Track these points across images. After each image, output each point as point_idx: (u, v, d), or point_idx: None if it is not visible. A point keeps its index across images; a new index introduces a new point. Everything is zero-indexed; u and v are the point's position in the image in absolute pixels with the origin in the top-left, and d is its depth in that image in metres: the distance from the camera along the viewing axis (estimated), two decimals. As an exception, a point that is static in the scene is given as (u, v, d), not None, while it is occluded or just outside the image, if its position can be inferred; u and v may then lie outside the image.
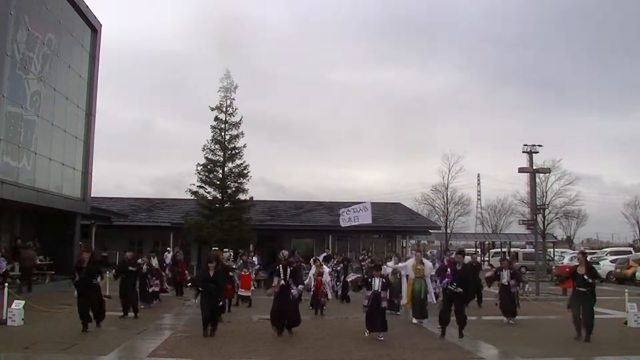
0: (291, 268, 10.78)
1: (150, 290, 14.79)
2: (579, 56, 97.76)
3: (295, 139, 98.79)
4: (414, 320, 12.55)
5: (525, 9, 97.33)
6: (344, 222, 21.32)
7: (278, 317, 10.48)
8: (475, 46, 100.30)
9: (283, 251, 11.89)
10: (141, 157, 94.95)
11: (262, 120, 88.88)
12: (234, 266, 15.50)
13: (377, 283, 10.41)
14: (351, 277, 16.27)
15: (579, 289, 10.31)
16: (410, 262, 13.12)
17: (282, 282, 10.43)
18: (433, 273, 12.87)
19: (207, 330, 10.25)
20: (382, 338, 10.13)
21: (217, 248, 17.83)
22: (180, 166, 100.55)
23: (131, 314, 12.62)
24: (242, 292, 15.14)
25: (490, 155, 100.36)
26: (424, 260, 13.01)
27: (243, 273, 15.38)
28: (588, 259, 11.52)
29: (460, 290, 10.26)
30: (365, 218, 20.19)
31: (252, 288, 15.97)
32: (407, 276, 13.14)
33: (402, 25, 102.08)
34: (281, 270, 10.58)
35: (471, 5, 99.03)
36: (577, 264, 10.93)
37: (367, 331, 10.43)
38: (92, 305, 10.69)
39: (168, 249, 24.02)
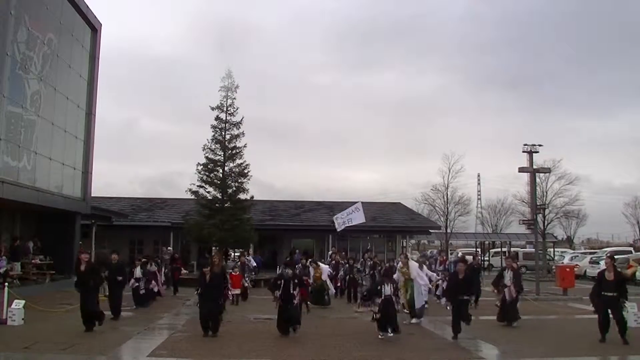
0: (297, 280, 10.97)
1: (142, 292, 14.80)
2: (568, 58, 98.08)
3: (286, 139, 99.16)
4: (413, 320, 12.53)
5: (518, 11, 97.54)
6: (339, 227, 21.57)
7: (284, 324, 10.59)
8: (464, 48, 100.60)
9: (288, 271, 11.25)
10: (131, 157, 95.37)
11: (252, 121, 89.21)
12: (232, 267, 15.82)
13: (387, 289, 10.47)
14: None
15: (607, 293, 10.14)
16: (399, 265, 13.05)
17: (281, 298, 10.57)
18: (420, 273, 12.77)
19: (208, 331, 10.29)
20: (392, 334, 10.21)
21: (216, 247, 17.92)
22: (171, 166, 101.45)
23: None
24: (233, 291, 15.21)
25: (481, 155, 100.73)
26: (410, 263, 12.95)
27: (233, 273, 15.78)
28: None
29: (467, 297, 10.74)
30: (359, 218, 20.35)
31: (246, 284, 16.61)
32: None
33: (393, 28, 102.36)
34: (290, 286, 10.64)
35: (462, 8, 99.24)
36: (604, 268, 10.85)
37: (381, 333, 10.32)
38: (90, 307, 10.64)
39: (169, 248, 24.11)
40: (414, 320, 12.54)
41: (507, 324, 12.25)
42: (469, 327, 10.58)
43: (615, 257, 12.93)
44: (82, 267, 10.86)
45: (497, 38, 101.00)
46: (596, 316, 10.44)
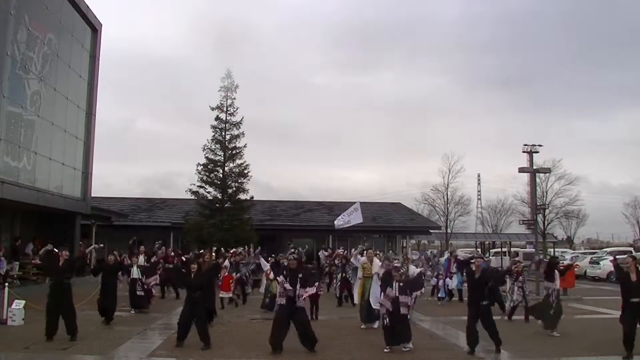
0: (301, 274, 9.18)
1: (140, 293, 13.82)
2: (568, 57, 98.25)
3: (285, 139, 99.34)
4: (362, 326, 11.50)
5: (517, 11, 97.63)
6: (337, 227, 21.54)
7: (280, 334, 8.86)
8: (464, 48, 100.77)
9: (296, 251, 10.38)
10: (131, 157, 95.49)
11: (252, 121, 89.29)
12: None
13: (395, 287, 9.22)
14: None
15: (634, 299, 8.60)
16: (362, 260, 12.02)
17: (287, 290, 8.91)
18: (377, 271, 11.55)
19: (182, 340, 9.22)
20: (407, 348, 9.07)
21: (216, 248, 17.79)
22: (171, 166, 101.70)
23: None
24: (222, 294, 14.55)
25: (481, 156, 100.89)
26: (375, 259, 11.87)
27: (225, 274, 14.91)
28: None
29: (487, 302, 9.24)
30: (357, 218, 20.33)
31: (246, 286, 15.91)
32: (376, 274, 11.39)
33: (392, 29, 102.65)
34: (288, 278, 9.03)
35: (462, 7, 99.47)
36: (626, 269, 9.01)
37: (388, 347, 9.10)
38: (63, 312, 9.62)
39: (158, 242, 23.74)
40: (363, 326, 11.45)
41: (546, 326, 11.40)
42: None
43: (617, 257, 12.50)
44: (60, 264, 10.15)
45: (497, 38, 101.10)
46: (596, 316, 10.29)
